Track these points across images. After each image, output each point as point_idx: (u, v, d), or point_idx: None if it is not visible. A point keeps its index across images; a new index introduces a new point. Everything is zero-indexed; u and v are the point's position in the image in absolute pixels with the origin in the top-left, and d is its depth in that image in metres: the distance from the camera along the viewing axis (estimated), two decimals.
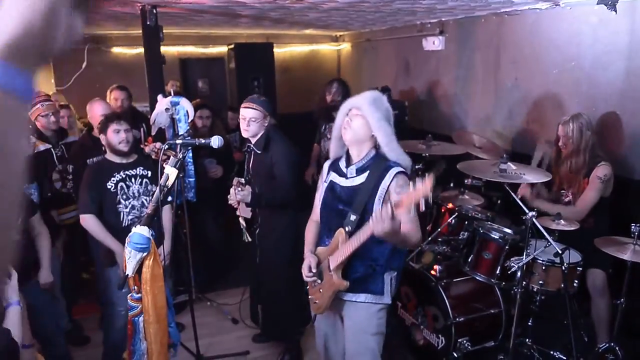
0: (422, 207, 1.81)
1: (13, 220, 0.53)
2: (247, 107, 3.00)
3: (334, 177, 2.34)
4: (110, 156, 3.01)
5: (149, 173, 3.07)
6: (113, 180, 2.94)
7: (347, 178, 2.27)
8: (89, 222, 2.89)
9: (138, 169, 3.04)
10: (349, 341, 2.37)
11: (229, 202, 3.02)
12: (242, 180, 2.90)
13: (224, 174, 4.26)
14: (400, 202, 1.88)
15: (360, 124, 2.19)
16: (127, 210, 2.97)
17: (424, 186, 1.78)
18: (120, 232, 2.87)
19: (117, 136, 2.93)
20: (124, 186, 2.96)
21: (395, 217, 1.89)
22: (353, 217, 2.21)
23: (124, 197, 2.96)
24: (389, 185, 2.16)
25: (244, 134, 3.07)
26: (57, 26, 0.52)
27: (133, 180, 3.00)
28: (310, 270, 2.34)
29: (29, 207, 2.77)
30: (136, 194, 3.00)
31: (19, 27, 0.50)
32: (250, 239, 3.16)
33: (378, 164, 2.21)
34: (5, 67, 0.50)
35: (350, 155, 2.30)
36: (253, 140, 3.07)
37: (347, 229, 2.21)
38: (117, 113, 3.45)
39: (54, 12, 0.51)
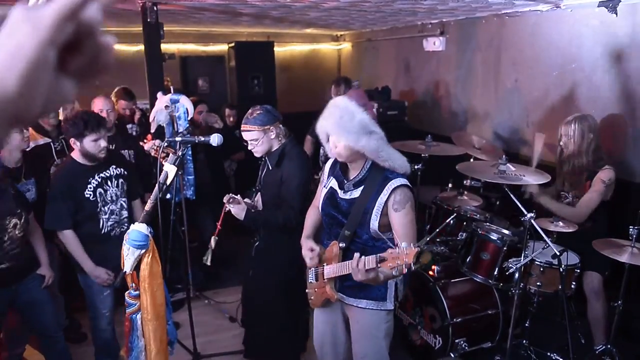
0: (404, 271, 1.82)
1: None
2: (244, 130, 2.75)
3: (333, 183, 2.31)
4: (80, 159, 2.76)
5: (123, 171, 2.93)
6: (90, 188, 2.75)
7: (345, 191, 2.24)
8: (68, 236, 2.75)
9: (111, 168, 2.87)
10: (357, 344, 2.35)
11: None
12: (235, 196, 2.63)
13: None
14: (385, 259, 1.85)
15: (342, 147, 2.12)
16: (107, 216, 2.84)
17: (408, 256, 1.78)
18: (100, 240, 2.81)
19: (95, 145, 2.70)
20: (102, 192, 2.81)
21: (376, 270, 1.89)
22: (347, 233, 2.20)
23: (103, 202, 2.81)
24: (387, 200, 2.12)
25: (256, 155, 2.82)
26: (37, 90, 0.43)
27: (109, 183, 2.84)
28: (311, 250, 2.30)
29: (27, 206, 2.76)
30: (114, 197, 2.86)
31: None
32: (210, 263, 2.92)
33: (374, 177, 2.16)
34: None
35: (349, 168, 2.26)
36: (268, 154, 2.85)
37: (341, 245, 2.21)
38: (98, 117, 2.85)
39: (34, 74, 0.42)
